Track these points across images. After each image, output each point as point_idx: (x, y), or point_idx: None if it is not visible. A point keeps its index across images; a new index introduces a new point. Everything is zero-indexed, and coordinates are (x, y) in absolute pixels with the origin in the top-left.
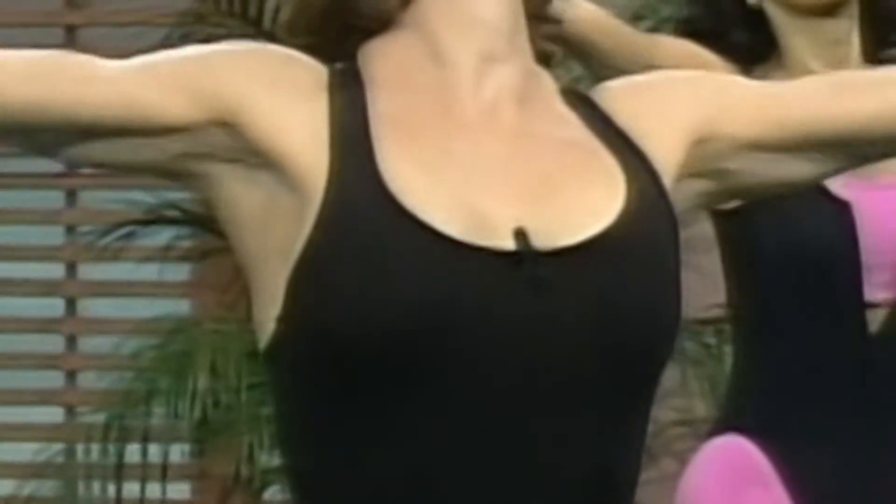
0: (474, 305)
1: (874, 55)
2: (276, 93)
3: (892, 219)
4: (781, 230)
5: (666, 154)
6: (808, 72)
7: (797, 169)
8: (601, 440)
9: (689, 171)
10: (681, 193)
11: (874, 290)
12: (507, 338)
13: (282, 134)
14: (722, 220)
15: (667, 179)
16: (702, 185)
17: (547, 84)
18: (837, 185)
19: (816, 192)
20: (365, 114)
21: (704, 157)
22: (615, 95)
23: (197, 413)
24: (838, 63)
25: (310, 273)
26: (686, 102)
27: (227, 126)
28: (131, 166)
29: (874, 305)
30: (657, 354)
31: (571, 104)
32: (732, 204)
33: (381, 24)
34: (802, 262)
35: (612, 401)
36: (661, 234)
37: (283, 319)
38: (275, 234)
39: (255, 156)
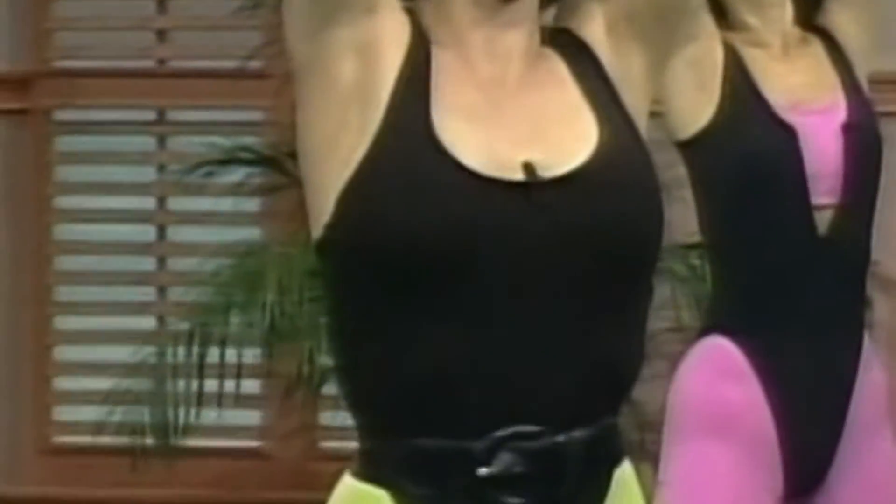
0: (494, 224)
1: (806, 19)
2: (398, 11)
3: (827, 135)
4: (737, 152)
5: (604, 52)
6: (747, 27)
7: None
8: (605, 333)
9: (625, 38)
10: (634, 56)
11: (819, 196)
12: (521, 250)
13: (388, 43)
14: (685, 149)
15: (605, 55)
16: (638, 37)
17: (537, 36)
18: (784, 112)
19: (767, 118)
20: (429, 62)
21: (619, 21)
22: (571, 22)
23: (266, 322)
24: (773, 22)
25: (358, 189)
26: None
27: (376, 3)
28: None
29: (820, 208)
30: (645, 254)
31: (555, 44)
32: (692, 133)
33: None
34: (757, 178)
35: (612, 298)
36: (632, 151)
37: (330, 226)
38: (341, 137)
39: (367, 41)
